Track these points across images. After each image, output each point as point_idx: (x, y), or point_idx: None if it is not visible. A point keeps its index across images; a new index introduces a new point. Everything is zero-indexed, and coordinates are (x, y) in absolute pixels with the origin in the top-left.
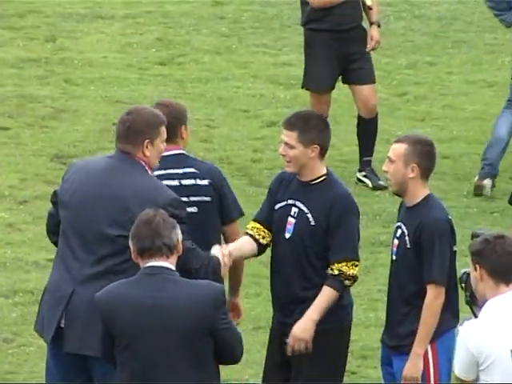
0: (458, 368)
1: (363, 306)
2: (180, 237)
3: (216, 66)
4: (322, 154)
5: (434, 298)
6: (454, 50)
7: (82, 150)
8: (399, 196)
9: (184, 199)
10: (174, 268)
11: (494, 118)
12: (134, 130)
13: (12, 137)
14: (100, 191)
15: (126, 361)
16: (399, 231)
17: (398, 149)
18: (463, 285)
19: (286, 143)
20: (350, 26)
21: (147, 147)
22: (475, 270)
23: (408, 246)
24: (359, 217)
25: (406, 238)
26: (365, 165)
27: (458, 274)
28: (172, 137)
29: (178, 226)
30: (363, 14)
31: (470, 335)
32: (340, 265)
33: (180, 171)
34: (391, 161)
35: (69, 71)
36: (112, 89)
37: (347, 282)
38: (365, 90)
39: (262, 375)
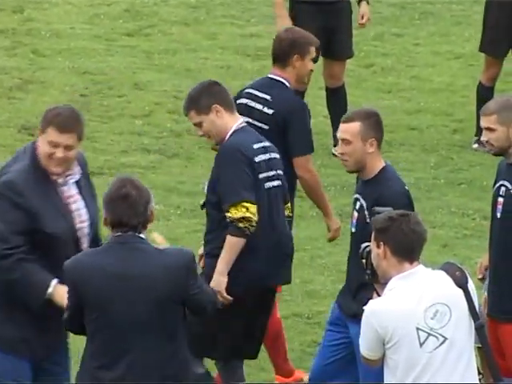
0: (364, 347)
1: (331, 278)
2: (153, 208)
3: (184, 37)
4: None
5: None
6: (422, 22)
7: None
8: (355, 173)
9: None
10: (144, 237)
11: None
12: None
13: None
14: None
15: (96, 330)
16: (358, 204)
17: (353, 128)
18: (364, 261)
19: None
20: None
21: None
22: (378, 247)
23: (367, 221)
24: None
25: (366, 211)
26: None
27: None
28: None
29: (151, 200)
30: None
31: (374, 314)
32: (228, 212)
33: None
34: (347, 142)
35: (36, 42)
36: (79, 60)
37: (240, 225)
38: (337, 65)
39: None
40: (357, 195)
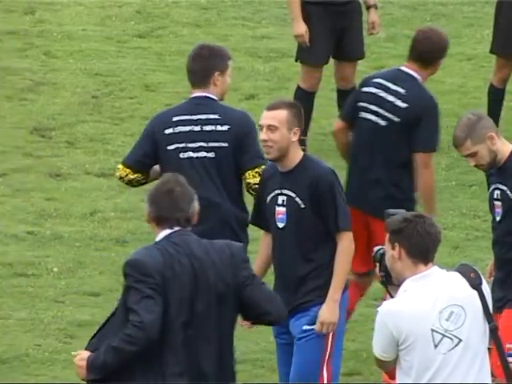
0: (378, 348)
1: None
2: (196, 209)
3: (195, 38)
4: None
5: (349, 243)
6: (433, 23)
7: (61, 123)
8: (275, 161)
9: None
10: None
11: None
12: None
13: None
14: None
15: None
16: (281, 198)
17: (280, 115)
18: (377, 264)
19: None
20: (345, 0)
21: None
22: (393, 248)
23: (302, 206)
24: None
25: (297, 199)
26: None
27: None
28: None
29: (195, 199)
30: None
31: (389, 315)
32: None
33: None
34: (274, 128)
35: (48, 44)
36: (91, 61)
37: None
38: (348, 66)
39: (241, 349)
40: (279, 190)
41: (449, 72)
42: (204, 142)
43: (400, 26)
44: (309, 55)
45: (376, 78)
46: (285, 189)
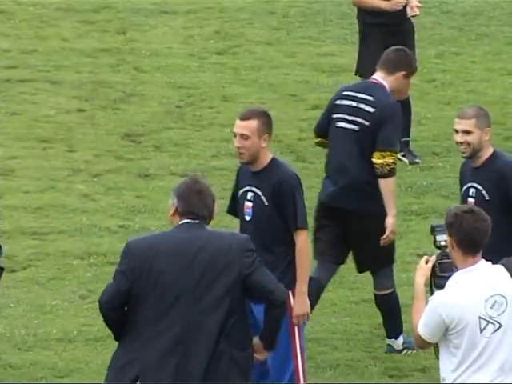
0: (426, 331)
1: (397, 268)
2: (216, 208)
3: (267, 55)
4: None
5: (304, 241)
6: (477, 42)
7: (149, 130)
8: (248, 164)
9: None
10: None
11: None
12: None
13: (87, 118)
14: None
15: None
16: (250, 194)
17: (250, 125)
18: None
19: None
20: (401, 21)
21: None
22: (449, 237)
23: (266, 203)
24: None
25: (262, 197)
26: (403, 145)
27: None
28: None
29: (216, 199)
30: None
31: (442, 305)
32: None
33: None
34: (246, 137)
35: (138, 60)
36: (175, 75)
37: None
38: None
39: (308, 329)
40: (248, 187)
41: (491, 85)
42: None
43: (448, 45)
44: (366, 69)
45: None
46: (253, 186)
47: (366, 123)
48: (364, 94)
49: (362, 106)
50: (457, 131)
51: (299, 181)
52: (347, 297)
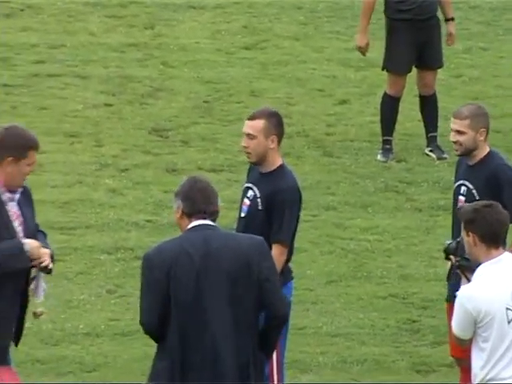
0: (458, 329)
1: (424, 263)
2: (220, 204)
3: (295, 50)
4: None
5: (279, 254)
6: (505, 37)
7: (177, 124)
8: (256, 165)
9: None
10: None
11: None
12: None
13: (115, 112)
14: None
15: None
16: (250, 192)
17: (257, 125)
18: (451, 256)
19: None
20: (427, 16)
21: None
22: (468, 235)
23: (260, 208)
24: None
25: (258, 200)
26: (430, 140)
27: None
28: None
29: (218, 196)
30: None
31: (469, 299)
32: None
33: None
34: (252, 137)
35: (165, 55)
36: (203, 70)
37: None
38: (429, 75)
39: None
40: (250, 184)
41: None
42: None
43: (475, 40)
44: (394, 65)
45: None
46: (255, 186)
47: None
48: None
49: None
50: (452, 130)
51: (298, 195)
52: (374, 292)
